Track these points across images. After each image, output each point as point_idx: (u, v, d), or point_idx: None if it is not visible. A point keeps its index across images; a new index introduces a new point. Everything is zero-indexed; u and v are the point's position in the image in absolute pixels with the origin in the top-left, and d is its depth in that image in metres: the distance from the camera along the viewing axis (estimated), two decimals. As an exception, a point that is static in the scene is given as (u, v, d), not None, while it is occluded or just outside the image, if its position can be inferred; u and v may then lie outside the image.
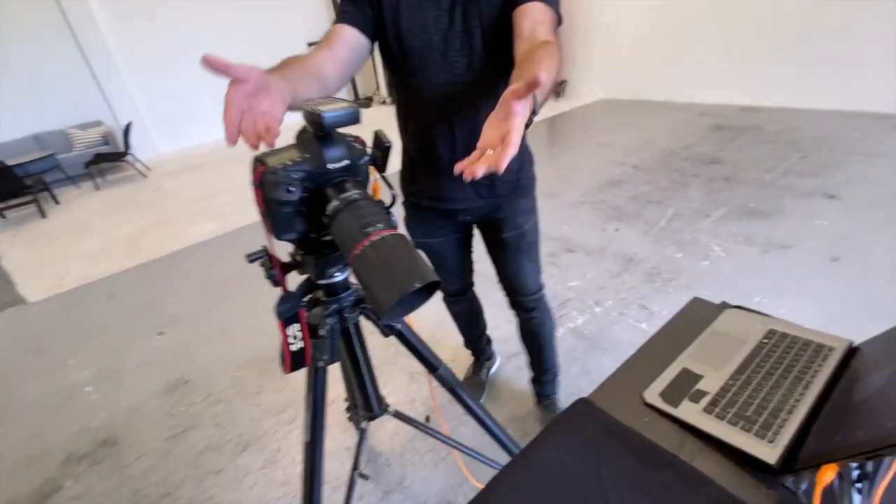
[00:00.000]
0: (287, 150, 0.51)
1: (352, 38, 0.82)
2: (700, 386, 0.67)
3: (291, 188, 0.48)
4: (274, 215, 0.50)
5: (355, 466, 0.90)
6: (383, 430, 1.48)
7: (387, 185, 0.62)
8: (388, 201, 0.61)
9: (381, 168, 0.60)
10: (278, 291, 0.61)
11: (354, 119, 0.47)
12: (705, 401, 0.64)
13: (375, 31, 0.86)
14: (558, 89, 6.04)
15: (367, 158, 0.55)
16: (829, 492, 0.48)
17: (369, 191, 0.63)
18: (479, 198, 1.05)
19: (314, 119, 0.46)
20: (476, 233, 1.22)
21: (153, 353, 2.11)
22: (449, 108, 0.91)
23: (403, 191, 1.12)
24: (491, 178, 0.93)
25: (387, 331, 0.74)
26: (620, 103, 5.34)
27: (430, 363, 0.82)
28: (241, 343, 2.04)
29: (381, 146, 0.57)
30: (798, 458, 0.54)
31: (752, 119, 4.02)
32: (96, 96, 5.95)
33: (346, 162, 0.51)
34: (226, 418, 1.66)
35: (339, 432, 1.49)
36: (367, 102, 7.92)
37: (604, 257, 2.29)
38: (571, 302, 1.98)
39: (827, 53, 3.85)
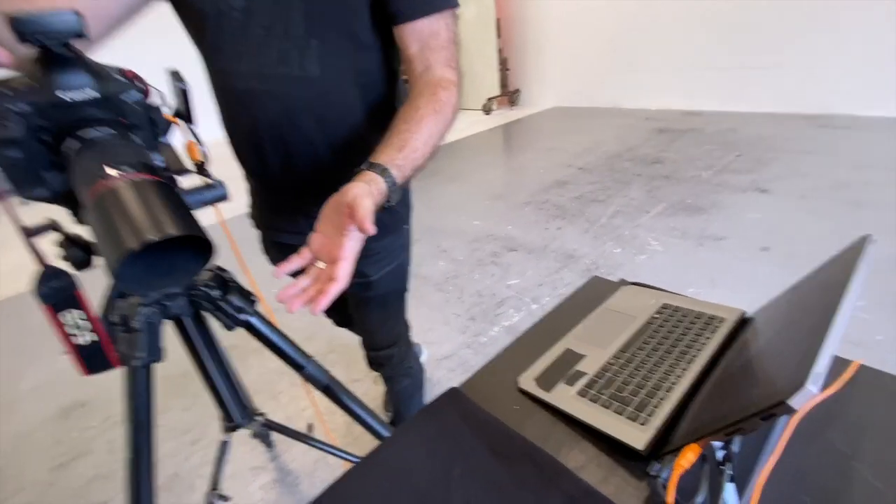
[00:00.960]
0: (15, 78, 0.40)
1: None
2: (580, 367, 0.59)
3: (7, 122, 0.37)
4: (2, 163, 0.39)
5: (213, 486, 0.77)
6: (297, 447, 1.34)
7: (196, 139, 0.52)
8: (204, 158, 0.50)
9: (187, 118, 0.50)
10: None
11: (74, 28, 0.36)
12: (581, 383, 0.56)
13: None
14: (512, 98, 6.10)
15: (135, 95, 0.44)
16: (692, 478, 0.40)
17: (182, 151, 0.52)
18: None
19: (12, 25, 0.35)
20: None
21: (53, 375, 1.88)
22: (265, 112, 0.67)
23: (250, 206, 0.90)
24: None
25: (230, 323, 0.63)
26: (571, 111, 5.44)
27: (294, 361, 0.70)
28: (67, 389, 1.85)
29: (177, 88, 0.47)
30: (668, 442, 0.46)
31: (692, 122, 4.16)
32: None
33: (91, 93, 0.40)
34: (122, 443, 1.47)
35: (249, 449, 1.35)
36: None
37: (545, 255, 2.24)
38: (509, 300, 1.91)
39: (760, 59, 4.05)
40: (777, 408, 0.32)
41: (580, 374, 0.57)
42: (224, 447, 0.78)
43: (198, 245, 0.37)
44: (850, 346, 1.42)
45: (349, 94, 0.68)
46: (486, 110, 5.83)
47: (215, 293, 0.61)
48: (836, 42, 3.64)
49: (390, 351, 1.01)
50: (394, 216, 0.82)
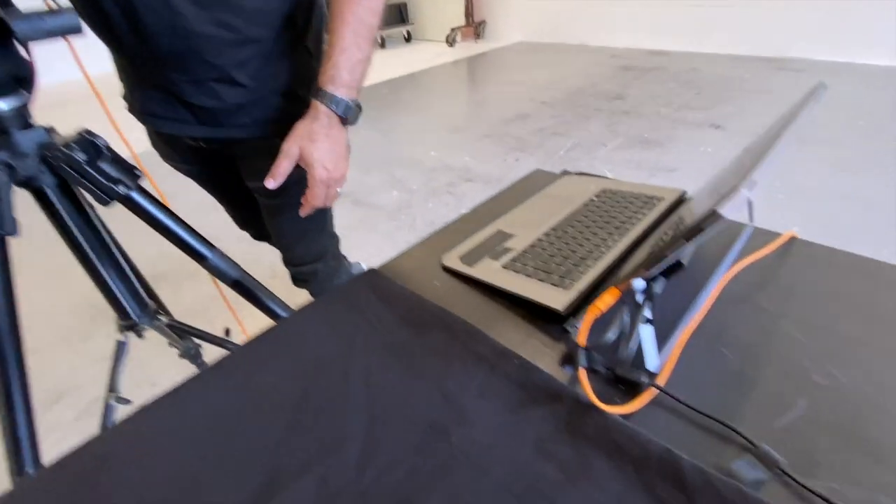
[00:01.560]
0: None
1: None
2: (508, 244, 0.54)
3: None
4: None
5: (111, 388, 0.70)
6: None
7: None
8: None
9: None
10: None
11: None
12: (508, 257, 0.51)
13: None
14: (477, 30, 5.76)
15: None
16: (603, 331, 0.37)
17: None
18: (192, 126, 0.67)
19: None
20: None
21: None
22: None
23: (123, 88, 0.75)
24: (202, 96, 0.62)
25: (103, 197, 0.53)
26: (537, 45, 5.22)
27: (194, 250, 0.61)
28: (75, 288, 1.69)
29: None
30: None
31: (657, 61, 4.08)
32: None
33: None
34: (38, 369, 1.36)
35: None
36: None
37: (501, 185, 2.17)
38: (462, 228, 1.86)
39: (724, 0, 3.96)
40: (708, 219, 0.27)
41: (508, 250, 0.53)
42: (121, 348, 0.70)
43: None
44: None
45: None
46: (450, 42, 5.49)
47: (79, 156, 0.50)
48: (801, -20, 3.60)
49: (314, 266, 0.90)
50: (303, 103, 0.64)
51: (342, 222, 1.18)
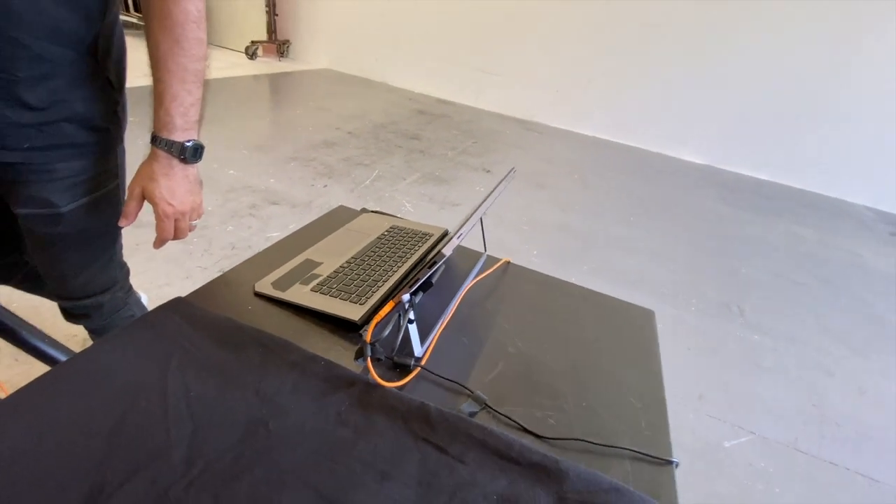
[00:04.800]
0: None
1: None
2: (316, 271, 0.66)
3: None
4: None
5: None
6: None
7: None
8: None
9: None
10: None
11: None
12: (315, 282, 0.63)
13: None
14: (281, 49, 5.63)
15: None
16: (385, 328, 0.53)
17: None
18: None
19: None
20: None
21: None
22: None
23: None
24: (2, 111, 0.55)
25: None
26: (343, 76, 5.44)
27: None
28: None
29: None
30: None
31: (444, 109, 4.81)
32: None
33: None
34: None
35: None
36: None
37: (309, 210, 2.24)
38: (267, 252, 1.84)
39: (491, 67, 4.99)
40: (439, 255, 0.46)
41: (316, 276, 0.64)
42: None
43: None
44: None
45: None
46: (250, 54, 5.20)
47: None
48: (538, 65, 4.84)
49: (98, 298, 0.82)
50: (96, 132, 0.65)
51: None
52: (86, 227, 0.71)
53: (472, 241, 0.83)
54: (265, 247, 0.73)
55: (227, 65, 4.72)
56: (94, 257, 0.77)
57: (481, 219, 0.77)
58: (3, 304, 0.74)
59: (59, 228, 0.67)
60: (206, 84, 0.64)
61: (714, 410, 1.45)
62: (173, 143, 0.62)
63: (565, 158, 3.95)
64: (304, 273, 0.65)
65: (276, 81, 4.66)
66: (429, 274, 0.48)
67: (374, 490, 0.39)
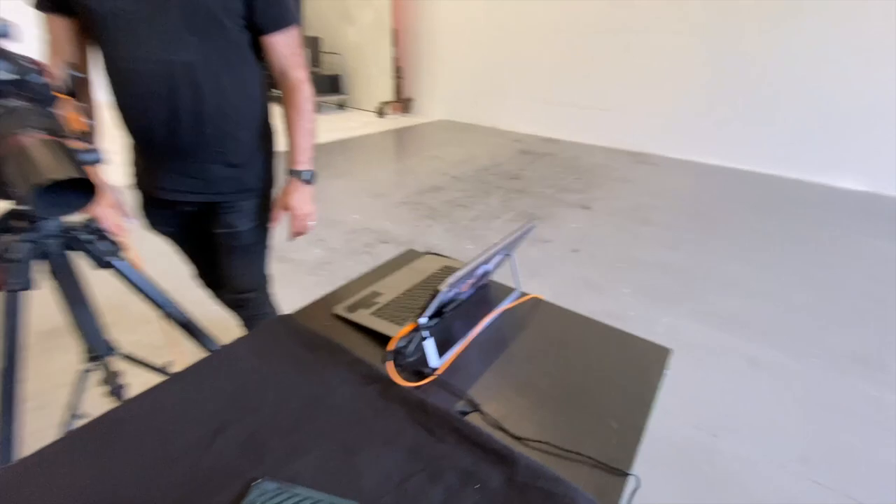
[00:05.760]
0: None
1: (63, 28, 0.84)
2: (377, 300, 0.88)
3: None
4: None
5: (72, 411, 0.89)
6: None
7: (85, 113, 0.69)
8: (86, 128, 0.68)
9: (76, 96, 0.67)
10: None
11: (2, 31, 0.55)
12: (374, 308, 0.85)
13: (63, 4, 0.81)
14: (405, 106, 6.45)
15: (43, 82, 0.61)
16: (409, 344, 0.72)
17: (65, 119, 0.68)
18: (192, 193, 1.01)
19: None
20: None
21: None
22: (149, 78, 0.85)
23: (131, 174, 1.07)
24: (205, 175, 0.98)
25: (100, 263, 0.79)
26: (456, 124, 5.98)
27: (157, 301, 0.88)
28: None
29: (69, 78, 0.65)
30: (412, 332, 0.77)
31: (550, 148, 4.93)
32: None
33: (9, 73, 0.57)
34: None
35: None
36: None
37: (411, 247, 2.56)
38: (374, 284, 2.18)
39: (599, 102, 4.98)
40: (435, 291, 0.64)
41: (375, 304, 0.87)
42: (85, 375, 0.90)
43: (85, 187, 0.57)
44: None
45: (217, 76, 0.90)
46: (380, 113, 6.08)
47: (85, 237, 0.77)
48: (650, 97, 4.69)
49: (249, 295, 1.18)
50: (256, 186, 1.08)
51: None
52: (250, 241, 1.11)
53: (504, 277, 0.98)
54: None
55: (360, 124, 5.60)
56: (252, 262, 1.16)
57: (512, 256, 0.93)
58: (191, 317, 1.13)
59: (236, 242, 1.08)
60: (317, 135, 1.04)
61: (821, 476, 1.27)
62: (300, 172, 1.04)
63: (678, 191, 3.72)
64: (368, 301, 0.88)
65: (399, 135, 5.36)
66: (434, 304, 0.66)
67: (378, 449, 0.57)
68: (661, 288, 2.26)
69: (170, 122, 0.89)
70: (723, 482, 1.25)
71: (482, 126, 5.90)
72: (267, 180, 1.10)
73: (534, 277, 2.29)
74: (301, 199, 1.05)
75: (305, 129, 1.02)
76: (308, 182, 1.05)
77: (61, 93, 0.65)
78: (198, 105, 0.89)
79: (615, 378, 0.73)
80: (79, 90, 0.66)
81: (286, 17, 0.93)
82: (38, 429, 1.34)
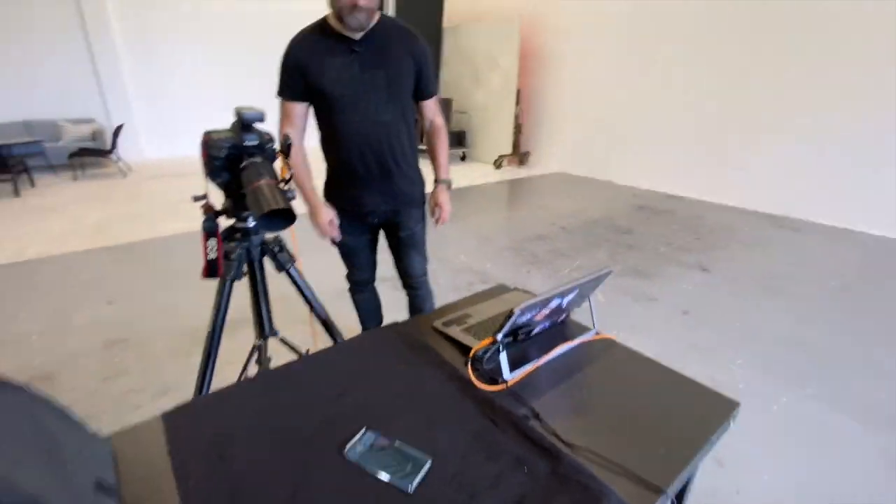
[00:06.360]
0: (224, 130, 0.92)
1: (301, 109, 1.29)
2: (468, 320, 1.07)
3: (222, 147, 0.88)
4: (210, 164, 0.90)
5: (241, 375, 1.22)
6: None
7: (287, 166, 1.03)
8: (289, 176, 1.02)
9: (286, 156, 1.01)
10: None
11: (260, 118, 0.90)
12: (465, 326, 1.04)
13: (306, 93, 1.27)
14: (522, 159, 6.78)
15: (272, 145, 0.96)
16: (486, 355, 0.88)
17: (278, 168, 1.03)
18: (385, 204, 1.47)
19: (240, 116, 0.88)
20: (381, 237, 1.61)
21: (100, 317, 2.35)
22: (366, 133, 1.31)
23: (327, 197, 1.47)
24: (394, 192, 1.44)
25: (280, 267, 1.12)
26: (571, 178, 6.07)
27: (309, 300, 1.18)
28: (182, 318, 2.31)
29: (284, 144, 1.00)
30: (492, 348, 0.93)
31: (670, 204, 4.71)
32: (94, 94, 6.31)
33: (255, 142, 0.92)
34: (153, 372, 1.92)
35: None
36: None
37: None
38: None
39: (734, 158, 4.66)
40: (507, 316, 0.80)
41: (465, 323, 1.05)
42: (255, 349, 1.24)
43: (288, 216, 0.87)
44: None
45: (401, 128, 1.37)
46: (497, 165, 6.49)
47: (275, 248, 1.10)
48: (794, 151, 4.24)
49: (422, 278, 1.66)
50: (420, 199, 1.54)
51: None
52: (420, 238, 1.58)
53: (585, 317, 1.08)
54: (448, 304, 1.19)
55: (478, 175, 6.04)
56: (420, 253, 1.61)
57: (590, 298, 1.04)
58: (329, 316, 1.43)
59: (413, 239, 1.55)
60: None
61: None
62: (445, 180, 1.49)
63: (823, 261, 3.27)
64: (460, 320, 1.06)
65: (513, 186, 5.65)
66: (509, 324, 0.82)
67: (452, 427, 0.73)
68: (783, 364, 2.02)
69: (378, 160, 1.36)
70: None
71: (598, 180, 5.90)
72: (424, 194, 1.55)
73: (635, 335, 2.24)
74: (445, 198, 1.48)
75: (446, 153, 1.51)
76: (449, 187, 1.49)
77: (279, 152, 1.00)
78: (392, 148, 1.36)
79: (673, 416, 0.79)
80: (287, 151, 1.01)
81: (435, 89, 1.44)
82: (221, 379, 1.78)
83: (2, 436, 0.47)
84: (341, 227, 1.45)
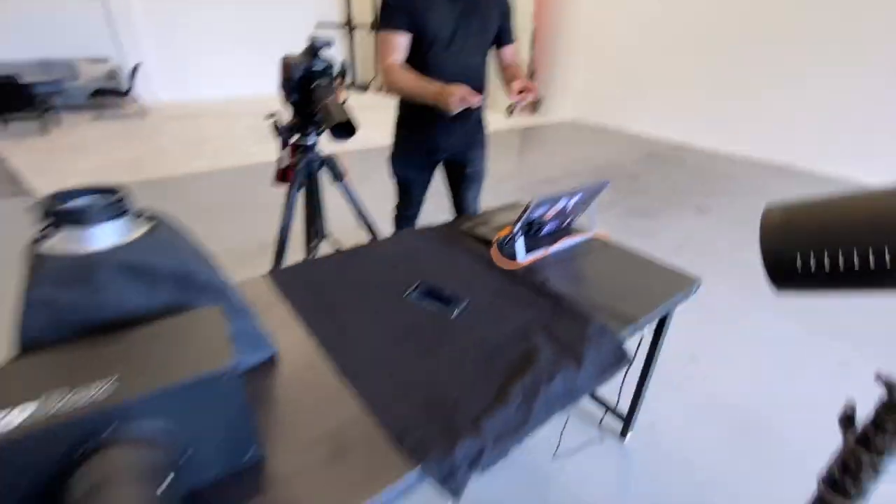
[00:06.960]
0: (298, 55, 1.12)
1: (405, 41, 1.34)
2: (489, 222, 1.31)
3: (298, 68, 1.09)
4: (286, 85, 1.11)
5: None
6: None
7: (345, 88, 1.24)
8: (346, 97, 1.22)
9: (343, 78, 1.21)
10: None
11: (328, 44, 1.09)
12: (487, 227, 1.28)
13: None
14: (535, 106, 6.77)
15: (332, 69, 1.16)
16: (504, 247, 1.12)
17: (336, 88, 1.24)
18: (458, 142, 1.60)
19: (311, 42, 1.07)
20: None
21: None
22: (454, 73, 1.40)
23: (400, 135, 1.58)
24: (470, 130, 1.59)
25: (337, 177, 1.35)
26: (582, 126, 6.11)
27: (360, 211, 1.43)
28: (215, 243, 2.58)
29: (343, 68, 1.19)
30: (510, 240, 1.17)
31: (679, 153, 4.82)
32: (107, 33, 6.31)
33: (322, 66, 1.12)
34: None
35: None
36: (364, 88, 8.50)
37: (520, 226, 2.94)
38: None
39: (743, 105, 4.70)
40: (524, 209, 1.03)
41: (486, 225, 1.29)
42: (312, 249, 1.50)
43: (351, 128, 1.09)
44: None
45: (483, 72, 1.52)
46: (510, 112, 6.50)
47: (332, 164, 1.33)
48: (802, 105, 4.29)
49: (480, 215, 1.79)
50: (486, 140, 1.68)
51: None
52: (482, 175, 1.73)
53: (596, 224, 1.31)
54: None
55: (490, 122, 6.09)
56: (480, 190, 1.76)
57: (591, 205, 1.26)
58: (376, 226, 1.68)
59: (477, 175, 1.70)
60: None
61: None
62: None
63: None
64: (483, 222, 1.31)
65: (524, 133, 5.73)
66: (525, 216, 1.05)
67: (481, 283, 0.99)
68: (764, 286, 2.28)
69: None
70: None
71: (609, 127, 5.95)
72: (488, 138, 1.69)
73: (629, 262, 2.49)
74: (523, 81, 1.46)
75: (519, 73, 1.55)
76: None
77: (337, 76, 1.20)
78: (476, 89, 1.40)
79: (648, 284, 1.04)
80: (344, 76, 1.21)
81: (514, 37, 1.58)
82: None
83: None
84: (409, 162, 1.60)
